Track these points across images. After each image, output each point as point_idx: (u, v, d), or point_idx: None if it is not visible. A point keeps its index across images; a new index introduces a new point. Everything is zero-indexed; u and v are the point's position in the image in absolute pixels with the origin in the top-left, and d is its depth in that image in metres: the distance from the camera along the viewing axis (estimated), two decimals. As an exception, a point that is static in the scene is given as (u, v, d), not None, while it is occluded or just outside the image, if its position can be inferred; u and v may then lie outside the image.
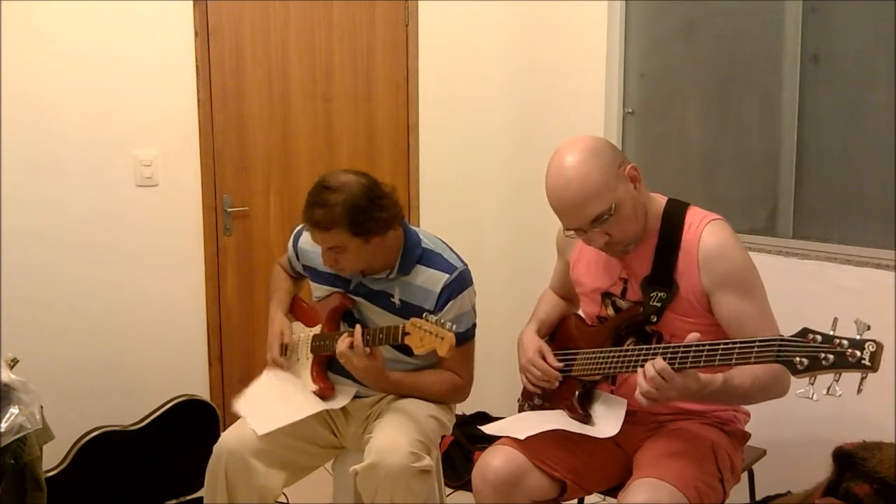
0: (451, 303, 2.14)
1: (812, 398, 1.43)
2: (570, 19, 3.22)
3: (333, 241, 2.08)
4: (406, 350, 2.15)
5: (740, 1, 2.70)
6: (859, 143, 2.41)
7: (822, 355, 1.41)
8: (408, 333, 1.97)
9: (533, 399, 2.09)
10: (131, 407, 2.86)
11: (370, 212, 2.06)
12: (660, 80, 3.05)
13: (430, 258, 2.19)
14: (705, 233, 1.80)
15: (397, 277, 2.19)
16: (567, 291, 2.17)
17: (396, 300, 2.19)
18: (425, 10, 3.42)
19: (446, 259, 2.19)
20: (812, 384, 1.44)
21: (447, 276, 2.15)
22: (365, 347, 2.06)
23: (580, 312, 2.12)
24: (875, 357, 1.37)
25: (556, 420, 1.90)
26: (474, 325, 2.24)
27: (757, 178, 2.71)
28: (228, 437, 2.15)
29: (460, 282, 2.17)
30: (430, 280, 2.16)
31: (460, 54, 3.51)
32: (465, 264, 2.22)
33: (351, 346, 2.06)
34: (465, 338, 2.18)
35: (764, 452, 2.17)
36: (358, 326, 2.09)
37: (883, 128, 2.30)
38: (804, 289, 2.37)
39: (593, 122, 3.09)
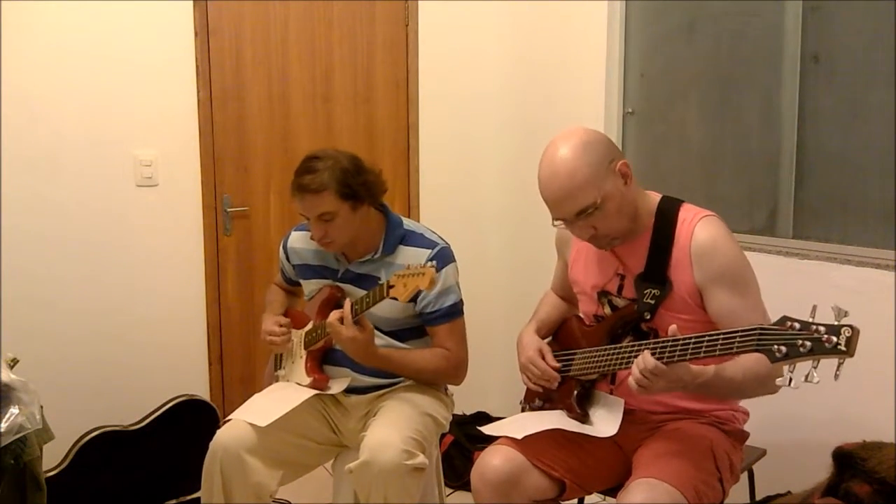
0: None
1: (790, 385, 1.42)
2: (569, 19, 3.21)
3: (323, 206, 2.12)
4: (397, 336, 2.22)
5: (740, 1, 2.70)
6: (859, 143, 2.41)
7: (800, 342, 1.42)
8: (392, 286, 1.99)
9: (535, 401, 2.09)
10: (131, 407, 2.86)
11: (358, 175, 2.15)
12: (660, 80, 3.05)
13: (412, 238, 2.26)
14: (697, 228, 1.81)
15: (382, 258, 2.24)
16: (567, 292, 2.17)
17: (383, 282, 2.20)
18: (425, 10, 3.42)
19: (428, 237, 2.26)
20: (791, 371, 1.44)
21: (429, 251, 2.21)
22: (353, 318, 2.07)
23: (580, 313, 2.12)
24: (851, 342, 1.37)
25: (554, 420, 1.90)
26: (461, 302, 2.26)
27: (757, 178, 2.71)
28: (223, 435, 2.15)
29: (443, 256, 2.21)
30: (414, 257, 2.19)
31: (460, 54, 3.51)
32: (447, 243, 2.27)
33: (341, 321, 2.08)
34: (453, 313, 2.22)
35: (764, 452, 2.17)
36: (347, 300, 2.11)
37: (883, 128, 2.29)
38: (804, 289, 2.36)
39: (593, 122, 3.08)
